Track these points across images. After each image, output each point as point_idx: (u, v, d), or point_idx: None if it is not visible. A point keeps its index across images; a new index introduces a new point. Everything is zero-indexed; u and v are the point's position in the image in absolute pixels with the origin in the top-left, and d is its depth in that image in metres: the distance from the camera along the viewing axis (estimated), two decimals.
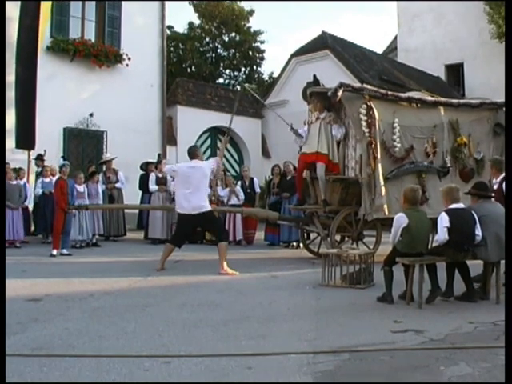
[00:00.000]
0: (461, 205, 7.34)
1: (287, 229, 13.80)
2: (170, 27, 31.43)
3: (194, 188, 9.73)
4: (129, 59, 18.87)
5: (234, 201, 14.32)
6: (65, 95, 17.45)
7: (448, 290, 7.42)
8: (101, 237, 14.46)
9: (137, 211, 15.79)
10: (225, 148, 11.65)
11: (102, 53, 18.44)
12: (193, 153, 10.30)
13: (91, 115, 18.17)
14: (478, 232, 7.12)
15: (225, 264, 9.64)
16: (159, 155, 15.72)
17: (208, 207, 9.98)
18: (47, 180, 13.97)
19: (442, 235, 7.04)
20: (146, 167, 15.57)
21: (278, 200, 14.32)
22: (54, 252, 11.50)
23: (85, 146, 18.51)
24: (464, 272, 7.42)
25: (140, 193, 15.56)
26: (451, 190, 7.49)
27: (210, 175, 10.37)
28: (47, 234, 13.86)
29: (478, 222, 7.14)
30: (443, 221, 7.05)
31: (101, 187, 14.36)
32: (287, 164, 14.63)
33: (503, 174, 8.64)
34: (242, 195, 14.52)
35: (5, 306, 5.22)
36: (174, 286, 8.33)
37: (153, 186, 14.67)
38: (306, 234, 12.98)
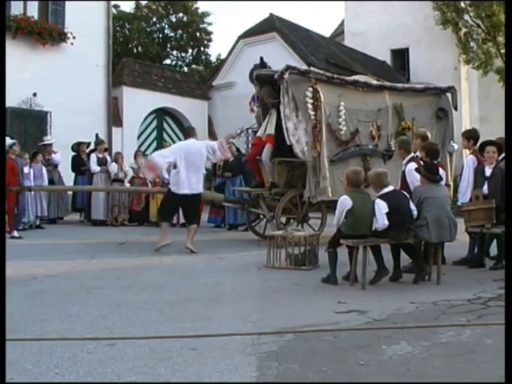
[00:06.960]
0: (390, 187, 7.43)
1: (232, 211, 13.80)
2: (116, 6, 30.99)
3: (195, 168, 9.85)
4: (73, 38, 18.44)
5: None
6: (7, 74, 16.97)
7: (396, 272, 7.53)
8: (44, 220, 14.17)
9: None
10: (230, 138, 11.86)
11: (46, 31, 17.97)
12: (191, 132, 10.60)
13: (34, 95, 17.73)
14: (413, 207, 7.29)
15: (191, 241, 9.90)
16: (97, 135, 15.46)
17: (202, 189, 10.22)
18: None
19: (381, 221, 7.10)
20: (77, 148, 15.30)
21: (224, 182, 14.28)
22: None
23: (28, 127, 18.07)
24: (410, 251, 7.54)
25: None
26: (379, 176, 7.53)
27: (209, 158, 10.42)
28: None
29: (410, 200, 7.36)
30: (381, 207, 7.11)
31: (44, 168, 14.01)
32: (230, 146, 14.63)
33: (411, 155, 8.75)
34: None
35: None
36: (119, 269, 8.25)
37: (95, 167, 14.47)
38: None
